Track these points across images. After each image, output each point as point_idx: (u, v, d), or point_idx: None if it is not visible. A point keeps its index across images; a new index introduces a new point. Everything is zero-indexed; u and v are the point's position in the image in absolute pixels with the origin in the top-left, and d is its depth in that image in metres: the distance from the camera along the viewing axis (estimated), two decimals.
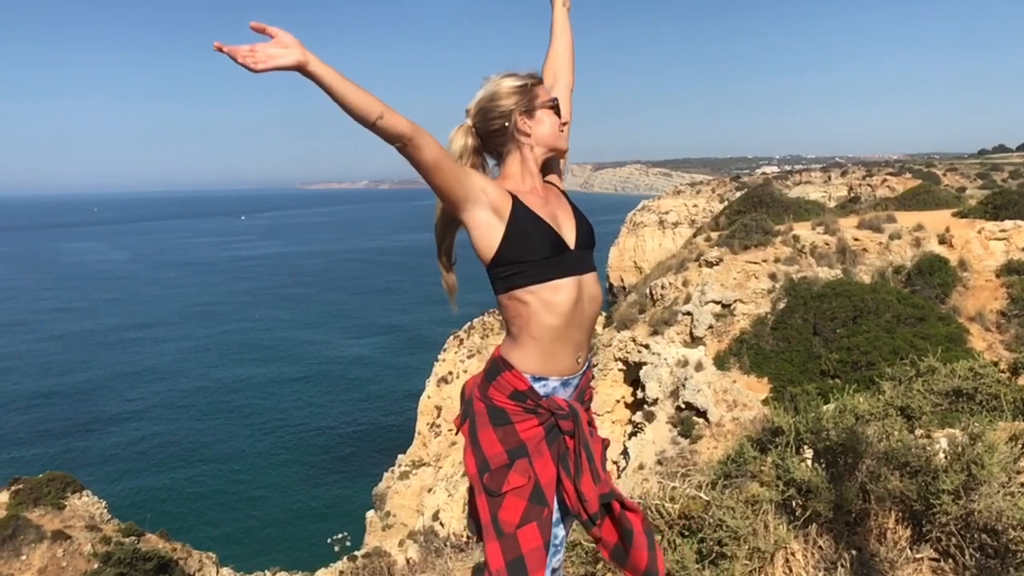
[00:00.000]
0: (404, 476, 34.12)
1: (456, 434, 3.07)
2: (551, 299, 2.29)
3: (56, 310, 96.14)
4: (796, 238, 23.38)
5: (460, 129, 2.41)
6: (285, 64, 1.89)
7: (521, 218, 2.28)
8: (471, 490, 2.42)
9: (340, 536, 36.69)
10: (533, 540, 2.29)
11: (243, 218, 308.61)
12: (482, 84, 2.44)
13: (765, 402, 17.05)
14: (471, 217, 2.27)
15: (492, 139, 2.42)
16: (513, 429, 2.31)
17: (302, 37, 1.90)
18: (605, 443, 2.52)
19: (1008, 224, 22.38)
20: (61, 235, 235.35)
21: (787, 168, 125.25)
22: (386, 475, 35.67)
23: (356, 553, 28.40)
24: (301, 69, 1.92)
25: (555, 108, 2.49)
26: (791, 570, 3.60)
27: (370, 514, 33.54)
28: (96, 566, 16.70)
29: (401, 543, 27.40)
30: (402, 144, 2.07)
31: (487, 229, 2.27)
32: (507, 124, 2.39)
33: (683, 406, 17.91)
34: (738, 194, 56.15)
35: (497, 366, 2.36)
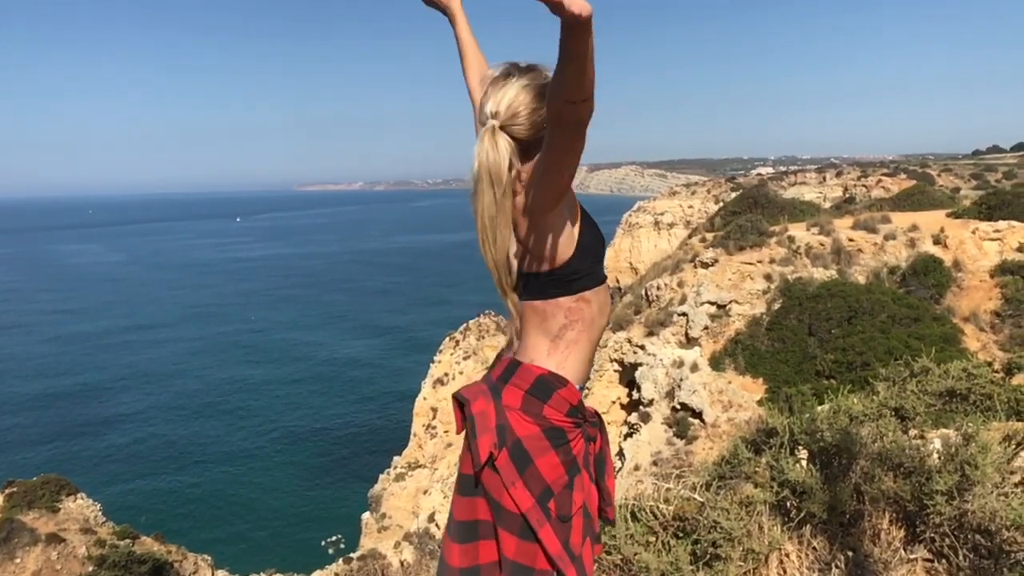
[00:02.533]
0: (400, 478, 34.09)
1: (490, 464, 2.55)
2: (604, 300, 2.27)
3: (52, 312, 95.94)
4: (791, 239, 23.39)
5: (499, 134, 2.10)
6: (587, 12, 1.64)
7: (587, 220, 2.23)
8: (492, 532, 2.17)
9: (334, 539, 36.69)
10: (590, 554, 2.23)
11: (238, 220, 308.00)
12: (505, 81, 2.16)
13: (760, 403, 17.07)
14: (557, 216, 2.12)
15: (528, 146, 2.17)
16: (569, 447, 2.20)
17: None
18: None
19: (1002, 224, 22.43)
20: (55, 237, 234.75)
21: (782, 169, 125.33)
22: (382, 477, 35.65)
23: (351, 555, 28.39)
24: (588, 19, 1.66)
25: None
26: (785, 571, 3.59)
27: (366, 516, 33.53)
28: (91, 569, 16.65)
29: (396, 545, 27.36)
30: (583, 127, 1.89)
31: (569, 228, 2.15)
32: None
33: (679, 407, 17.92)
34: (733, 195, 56.20)
35: (547, 383, 2.19)
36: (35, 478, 20.74)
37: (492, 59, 2.20)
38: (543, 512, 2.13)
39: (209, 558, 21.94)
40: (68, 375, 66.67)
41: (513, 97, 2.13)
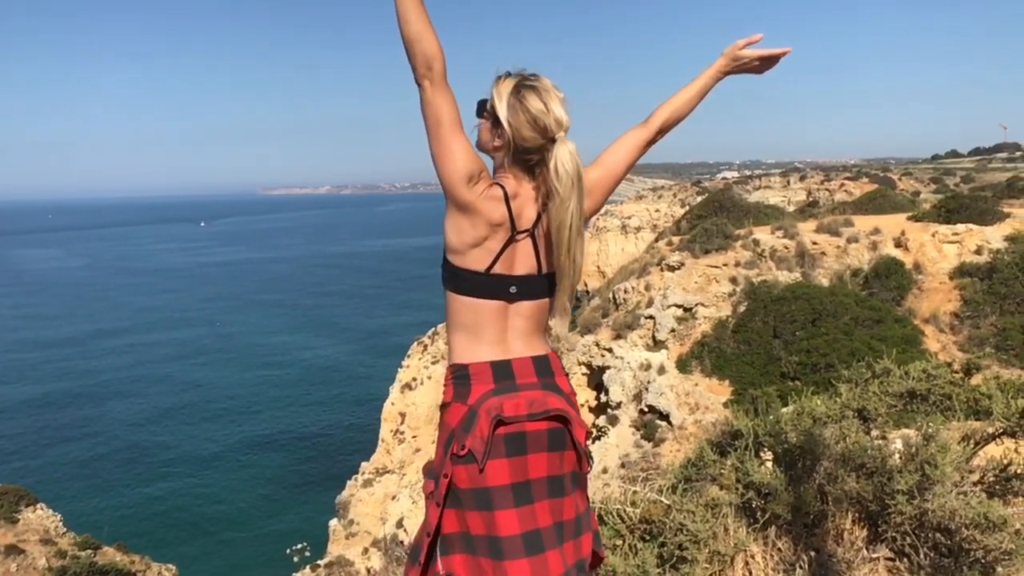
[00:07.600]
0: (367, 484, 33.83)
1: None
2: None
3: (9, 318, 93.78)
4: (756, 242, 23.63)
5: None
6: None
7: None
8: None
9: (299, 547, 36.28)
10: None
11: (203, 224, 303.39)
12: (553, 90, 2.23)
13: (727, 405, 17.21)
14: None
15: None
16: None
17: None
18: None
19: (960, 228, 22.87)
20: (12, 242, 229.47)
21: (747, 173, 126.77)
22: (349, 483, 35.32)
23: (319, 562, 28.15)
24: None
25: None
26: (751, 572, 3.62)
27: (333, 522, 33.21)
28: None
29: (365, 551, 27.18)
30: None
31: None
32: None
33: (646, 409, 18.03)
34: (699, 199, 56.70)
35: (560, 358, 2.43)
36: None
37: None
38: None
39: (173, 567, 21.62)
40: (26, 383, 65.21)
41: (565, 108, 2.26)
